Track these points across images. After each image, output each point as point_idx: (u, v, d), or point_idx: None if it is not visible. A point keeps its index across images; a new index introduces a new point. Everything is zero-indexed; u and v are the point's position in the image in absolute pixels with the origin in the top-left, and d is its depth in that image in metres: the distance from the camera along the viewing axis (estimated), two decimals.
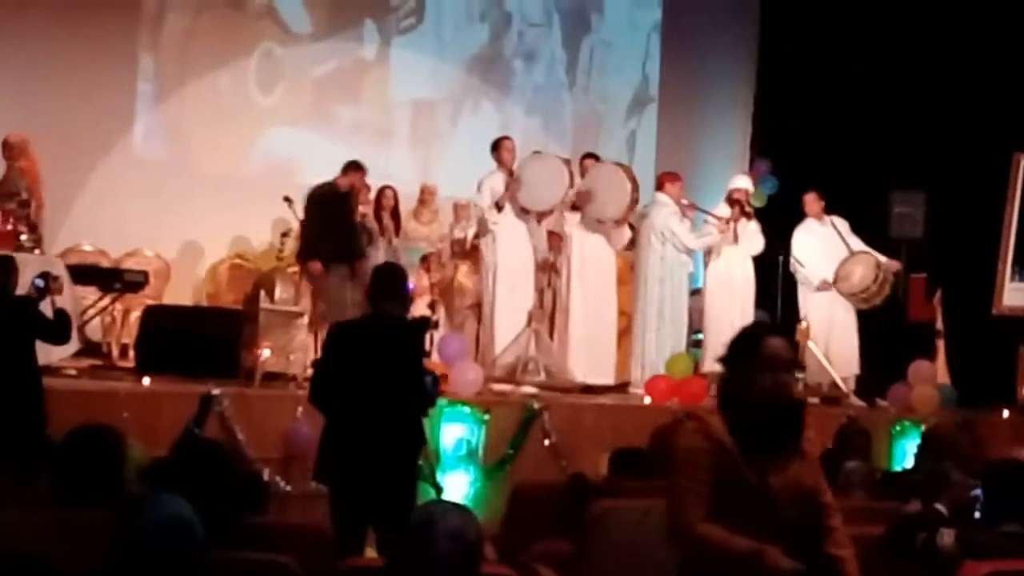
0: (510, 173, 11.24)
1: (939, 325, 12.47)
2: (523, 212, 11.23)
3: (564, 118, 14.57)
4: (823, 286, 11.86)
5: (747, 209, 11.82)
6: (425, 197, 12.51)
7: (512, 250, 11.22)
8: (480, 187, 11.24)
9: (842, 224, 12.11)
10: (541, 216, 11.32)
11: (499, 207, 11.08)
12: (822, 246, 12.00)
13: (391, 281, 6.78)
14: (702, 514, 4.21)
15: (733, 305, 11.76)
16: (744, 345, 4.38)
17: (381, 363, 6.43)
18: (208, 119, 12.94)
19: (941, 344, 12.37)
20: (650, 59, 14.92)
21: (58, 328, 8.02)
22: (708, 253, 12.00)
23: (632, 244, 11.82)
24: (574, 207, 11.45)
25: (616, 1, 14.76)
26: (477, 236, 11.58)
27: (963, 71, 13.30)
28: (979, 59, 13.18)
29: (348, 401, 6.44)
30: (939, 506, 5.61)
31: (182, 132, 12.91)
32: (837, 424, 9.97)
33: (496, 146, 11.39)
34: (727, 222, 11.67)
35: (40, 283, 7.98)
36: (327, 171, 12.42)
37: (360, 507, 6.36)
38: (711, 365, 11.79)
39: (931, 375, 11.70)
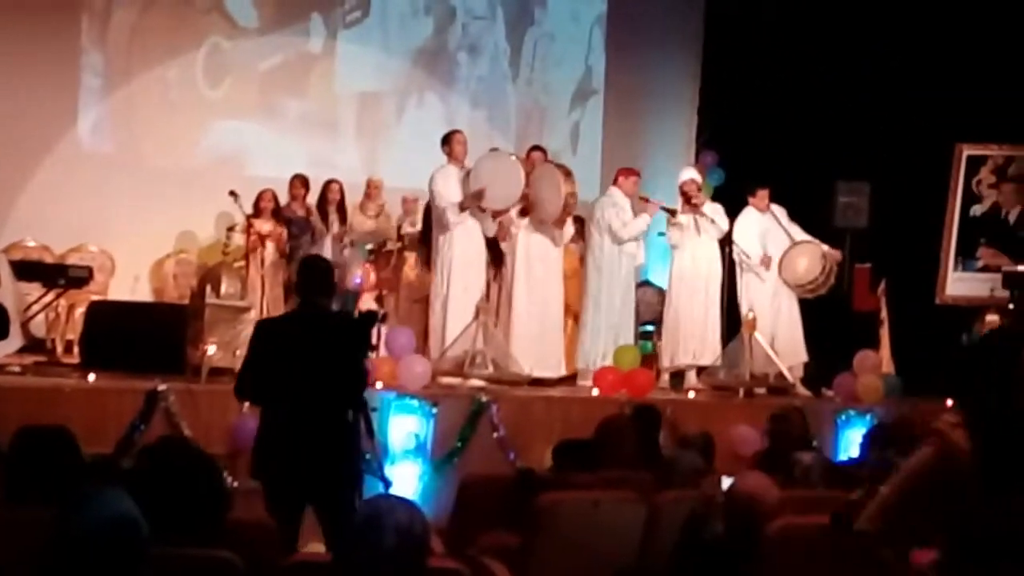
0: (461, 167, 11.23)
1: (883, 315, 12.53)
2: (479, 210, 11.21)
3: (508, 110, 14.64)
4: (764, 260, 11.92)
5: (694, 200, 11.89)
6: (371, 191, 12.49)
7: (467, 246, 11.21)
8: (432, 180, 11.19)
9: (781, 212, 12.19)
10: (496, 214, 11.30)
11: (463, 208, 11.06)
12: (763, 234, 12.08)
13: (317, 274, 6.78)
14: None
15: (696, 299, 11.83)
16: (998, 359, 4.15)
17: (308, 357, 6.42)
18: (156, 112, 12.98)
19: (886, 333, 12.44)
20: (592, 52, 15.00)
21: None
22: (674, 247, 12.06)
23: (580, 237, 11.85)
24: (521, 212, 11.45)
25: None
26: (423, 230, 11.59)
27: (906, 63, 13.39)
28: (922, 51, 13.27)
29: (276, 397, 6.45)
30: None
31: (130, 126, 12.92)
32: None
33: (447, 139, 11.38)
34: (671, 212, 11.77)
35: None
36: (274, 163, 12.53)
37: (291, 503, 6.34)
38: (671, 360, 11.89)
39: (876, 365, 11.77)
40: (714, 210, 11.98)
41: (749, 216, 12.09)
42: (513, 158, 11.51)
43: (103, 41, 12.75)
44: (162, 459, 4.57)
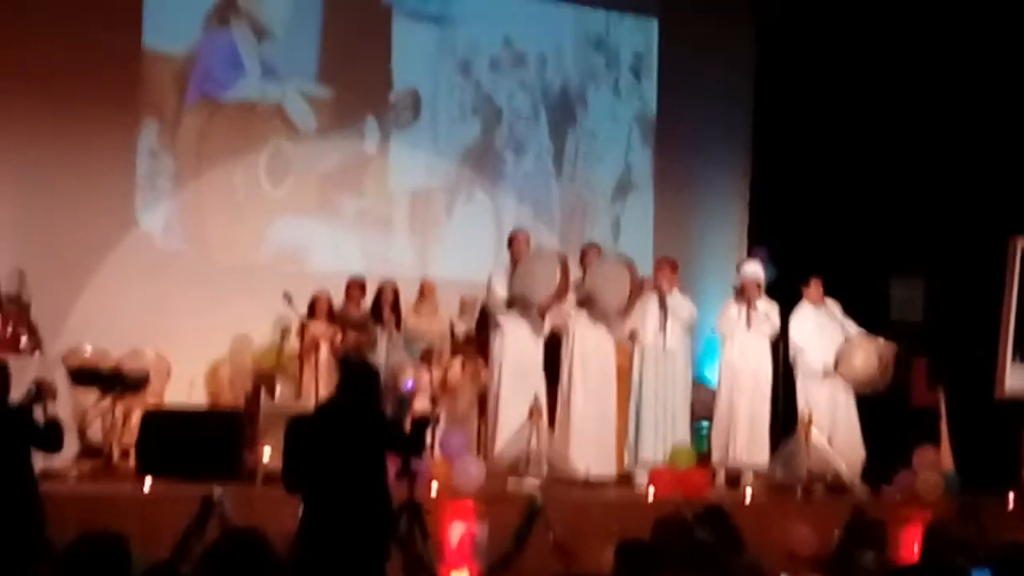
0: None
1: (942, 410, 12.41)
2: (524, 308, 11.26)
3: (552, 205, 14.96)
4: (827, 370, 11.84)
5: (755, 294, 11.84)
6: (425, 292, 12.54)
7: (518, 345, 11.28)
8: (491, 279, 11.47)
9: (835, 306, 12.13)
10: (542, 311, 11.34)
11: (509, 305, 11.18)
12: (820, 331, 12.02)
13: (348, 373, 7.07)
14: None
15: (744, 395, 11.75)
16: None
17: (329, 450, 6.55)
18: (221, 212, 13.30)
19: (944, 429, 12.31)
20: (632, 149, 15.36)
21: (49, 437, 7.93)
22: (723, 336, 12.01)
23: (632, 335, 11.83)
24: (580, 304, 11.50)
25: (599, 95, 15.22)
26: (478, 330, 11.67)
27: (959, 157, 13.37)
28: (975, 144, 13.25)
29: (309, 489, 6.65)
30: None
31: (196, 225, 13.20)
32: (845, 514, 9.97)
33: (511, 241, 11.68)
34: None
35: (33, 391, 7.95)
36: (332, 258, 12.72)
37: None
38: (720, 456, 11.80)
39: (935, 461, 11.64)
40: (768, 307, 11.93)
41: (804, 311, 12.03)
42: (552, 253, 11.57)
43: (173, 145, 13.12)
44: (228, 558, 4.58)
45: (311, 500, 6.69)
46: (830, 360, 11.89)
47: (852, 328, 12.05)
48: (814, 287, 12.10)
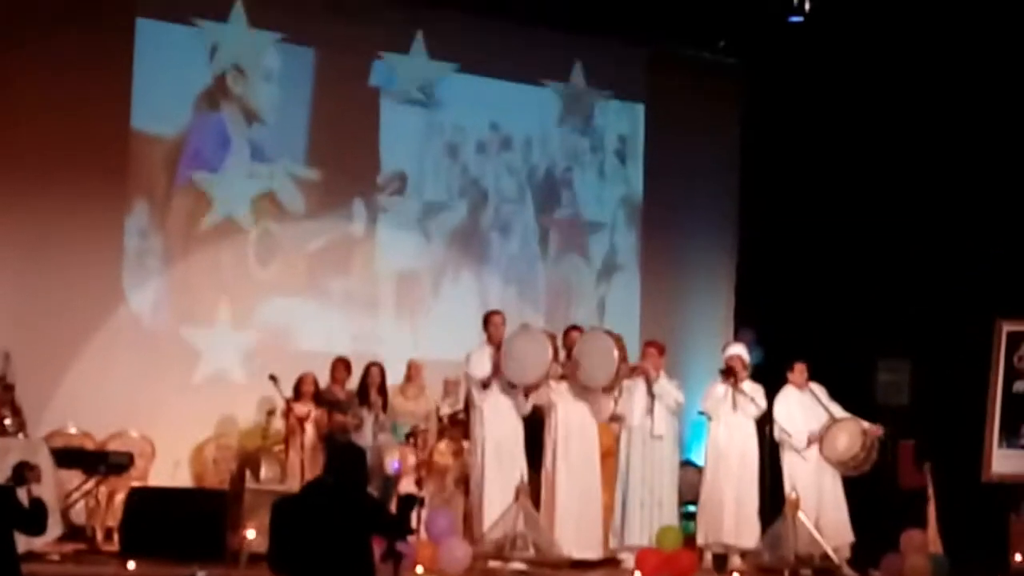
0: (498, 347, 11.34)
1: (930, 492, 12.38)
2: (510, 387, 11.28)
3: (538, 286, 15.01)
4: (812, 438, 11.84)
5: (740, 375, 11.87)
6: (412, 373, 12.53)
7: (499, 424, 11.27)
8: (468, 360, 11.46)
9: (820, 390, 12.15)
10: (528, 390, 11.34)
11: (485, 385, 11.16)
12: (804, 413, 12.03)
13: (334, 454, 7.19)
14: None
15: (731, 477, 11.73)
16: None
17: (310, 533, 6.54)
18: (209, 292, 13.29)
19: (932, 512, 12.28)
20: (617, 230, 15.42)
21: (33, 519, 7.87)
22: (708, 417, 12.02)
23: (615, 417, 11.80)
24: (562, 377, 11.50)
25: (584, 178, 15.33)
26: (464, 410, 11.65)
27: (944, 240, 13.44)
28: (960, 228, 13.33)
29: (293, 571, 6.60)
30: None
31: (184, 305, 13.16)
32: None
33: (486, 321, 11.66)
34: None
35: (16, 473, 7.90)
36: (320, 338, 12.78)
37: None
38: (706, 538, 11.75)
39: (923, 544, 11.60)
40: (753, 389, 11.94)
41: (788, 395, 12.06)
42: (543, 334, 11.59)
43: (162, 225, 13.14)
44: None
45: None
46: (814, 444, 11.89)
47: (838, 411, 12.05)
48: (798, 371, 12.13)
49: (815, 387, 12.14)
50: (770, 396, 11.99)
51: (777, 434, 11.91)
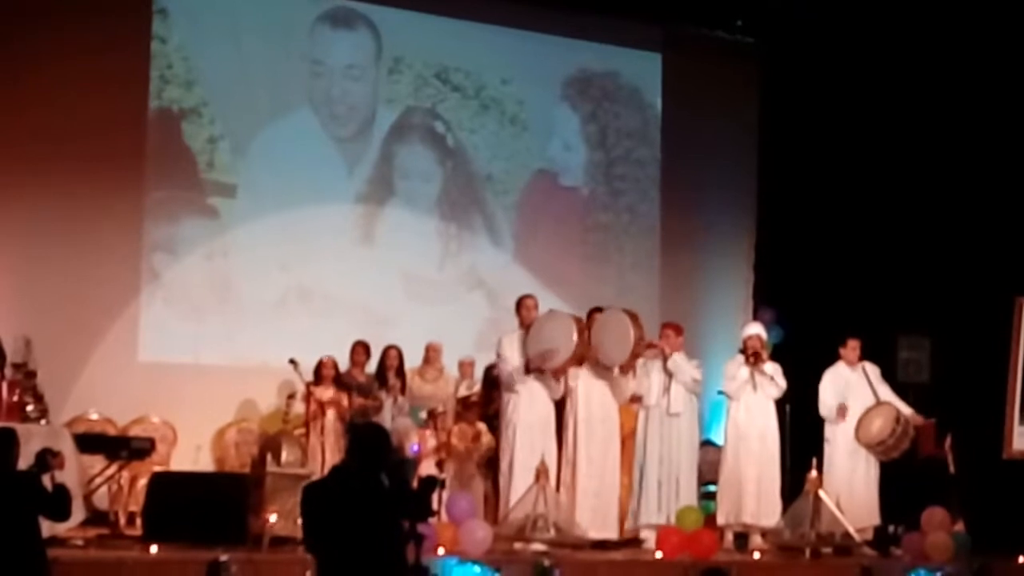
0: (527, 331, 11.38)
1: (951, 470, 12.36)
2: (542, 373, 11.27)
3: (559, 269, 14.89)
4: (841, 411, 11.85)
5: (762, 355, 11.86)
6: (430, 355, 12.54)
7: (532, 409, 11.26)
8: (500, 345, 11.47)
9: (873, 371, 12.13)
10: (557, 373, 11.33)
11: (527, 370, 11.19)
12: (849, 392, 12.00)
13: (357, 438, 7.07)
14: None
15: (751, 456, 11.71)
16: None
17: (340, 516, 6.56)
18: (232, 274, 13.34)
19: (954, 489, 12.26)
20: (634, 211, 15.41)
21: (57, 504, 7.92)
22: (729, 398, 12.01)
23: (635, 398, 11.81)
24: (580, 361, 11.49)
25: (600, 159, 15.31)
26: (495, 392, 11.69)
27: (965, 216, 13.41)
28: (981, 204, 13.29)
29: (324, 557, 6.62)
30: None
31: (199, 292, 13.17)
32: (851, 575, 9.93)
33: (518, 305, 11.64)
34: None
35: (40, 460, 7.95)
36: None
37: None
38: (727, 518, 11.75)
39: (945, 522, 11.58)
40: (774, 369, 11.92)
41: (838, 371, 12.06)
42: (569, 316, 11.56)
43: (184, 211, 13.21)
44: None
45: (326, 564, 6.66)
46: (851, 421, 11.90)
47: (884, 393, 12.04)
48: (851, 348, 12.12)
49: (868, 366, 12.14)
50: (790, 376, 11.96)
51: (821, 410, 11.93)
